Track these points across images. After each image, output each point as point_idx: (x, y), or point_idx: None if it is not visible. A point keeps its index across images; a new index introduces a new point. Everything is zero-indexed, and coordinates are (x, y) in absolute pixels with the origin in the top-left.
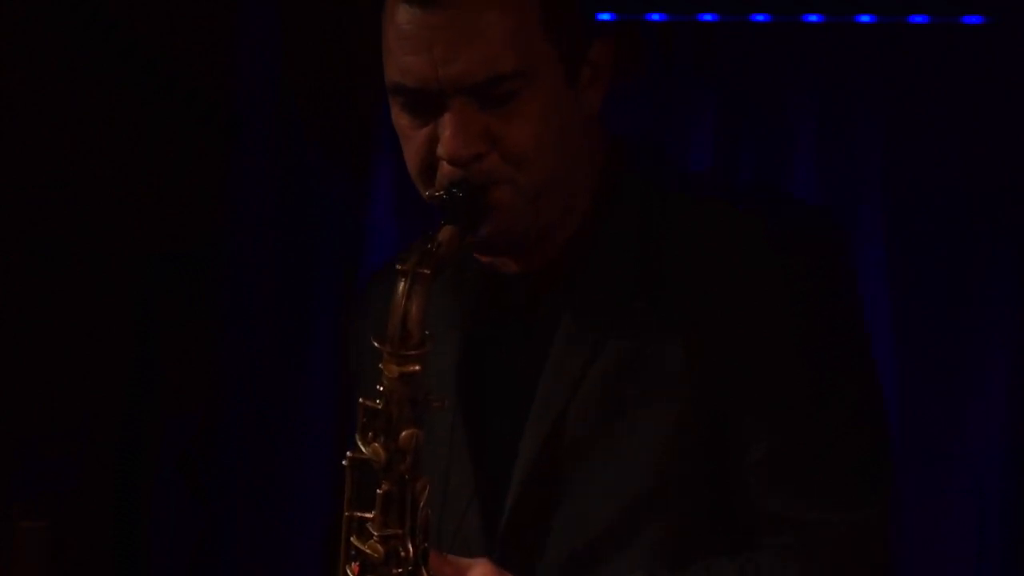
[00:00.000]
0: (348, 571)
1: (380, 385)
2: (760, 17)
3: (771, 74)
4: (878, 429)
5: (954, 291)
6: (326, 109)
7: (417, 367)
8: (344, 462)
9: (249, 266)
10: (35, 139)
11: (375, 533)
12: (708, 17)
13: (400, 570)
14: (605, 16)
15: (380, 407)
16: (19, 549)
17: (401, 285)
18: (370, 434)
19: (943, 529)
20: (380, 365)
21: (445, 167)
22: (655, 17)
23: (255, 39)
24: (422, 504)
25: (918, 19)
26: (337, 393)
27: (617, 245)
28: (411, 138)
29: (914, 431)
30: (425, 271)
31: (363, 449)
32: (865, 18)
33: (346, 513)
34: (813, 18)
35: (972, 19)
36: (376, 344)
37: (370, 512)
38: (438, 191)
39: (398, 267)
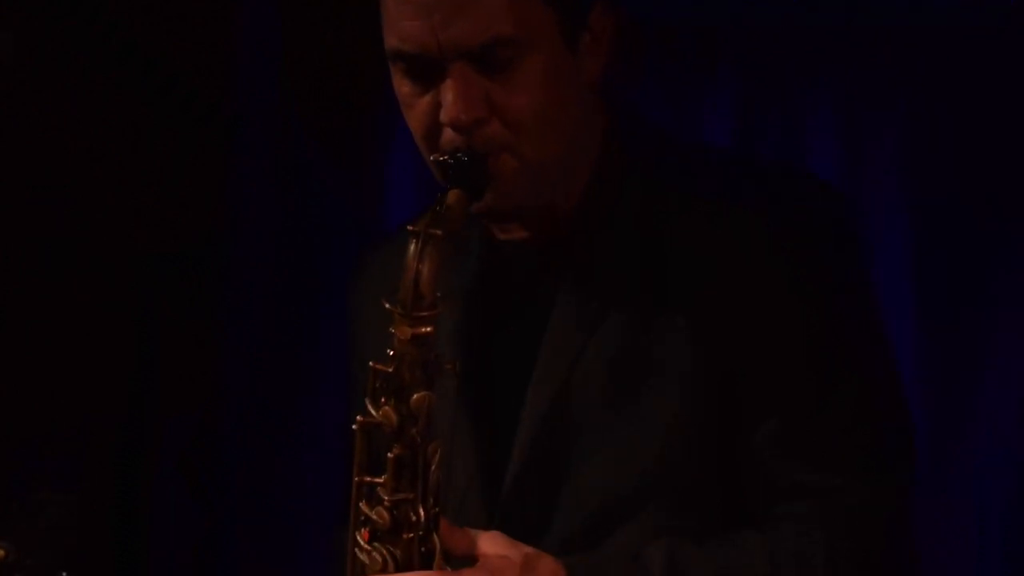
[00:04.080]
0: (358, 536)
1: (391, 349)
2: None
3: (789, 70)
4: (895, 409)
5: (972, 286)
6: (326, 109)
7: (429, 328)
8: (354, 426)
9: (249, 266)
10: (35, 139)
11: (386, 498)
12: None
13: (411, 535)
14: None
15: (391, 370)
16: (18, 549)
17: (412, 246)
18: (381, 398)
19: (943, 529)
20: (391, 328)
21: (448, 133)
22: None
23: (255, 39)
24: (433, 468)
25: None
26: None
27: (621, 218)
28: (413, 105)
29: (937, 427)
30: (437, 232)
31: (374, 413)
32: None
33: (356, 478)
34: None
35: (991, 16)
36: (387, 306)
37: (380, 477)
38: (442, 156)
39: (409, 228)
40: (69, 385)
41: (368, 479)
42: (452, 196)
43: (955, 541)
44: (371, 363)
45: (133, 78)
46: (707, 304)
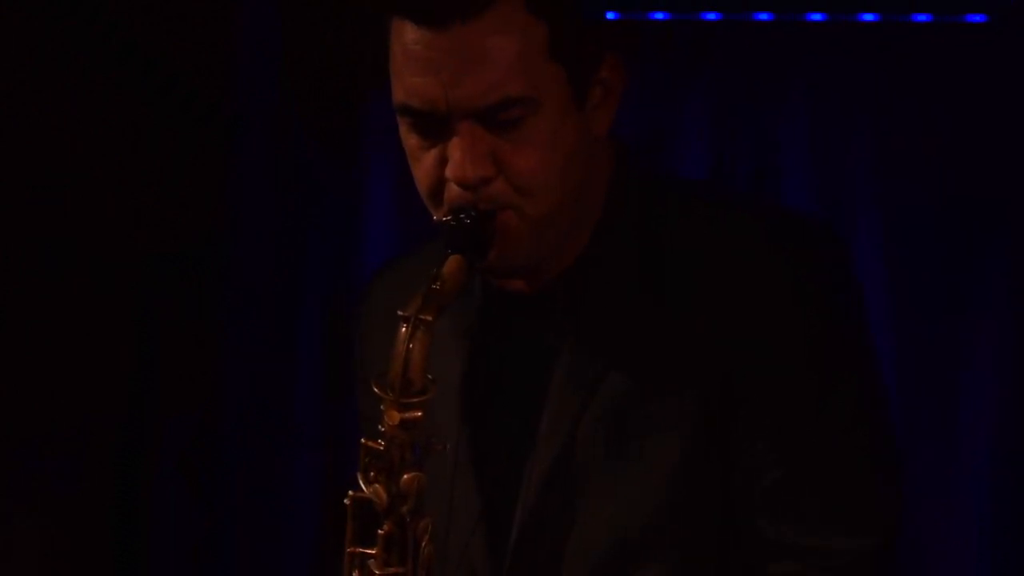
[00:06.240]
0: None
1: (382, 426)
2: (763, 16)
3: (766, 73)
4: (889, 447)
5: (950, 293)
6: (326, 109)
7: (419, 413)
8: (346, 500)
9: (249, 266)
10: (35, 139)
11: (377, 572)
12: (711, 16)
13: None
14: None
15: (382, 449)
16: (18, 550)
17: (403, 331)
18: (372, 474)
19: (943, 529)
20: (381, 407)
21: (453, 189)
22: (657, 16)
23: (255, 39)
24: (424, 544)
25: (919, 18)
26: (330, 392)
27: (624, 263)
28: (420, 159)
29: (912, 433)
30: (427, 318)
31: (364, 489)
32: (868, 16)
33: (348, 549)
34: (816, 16)
35: (974, 18)
36: (376, 390)
37: (372, 548)
38: (446, 215)
39: (399, 313)
40: (69, 385)
41: (360, 550)
42: (451, 264)
43: (955, 541)
44: (362, 440)
45: (133, 78)
46: (716, 343)
